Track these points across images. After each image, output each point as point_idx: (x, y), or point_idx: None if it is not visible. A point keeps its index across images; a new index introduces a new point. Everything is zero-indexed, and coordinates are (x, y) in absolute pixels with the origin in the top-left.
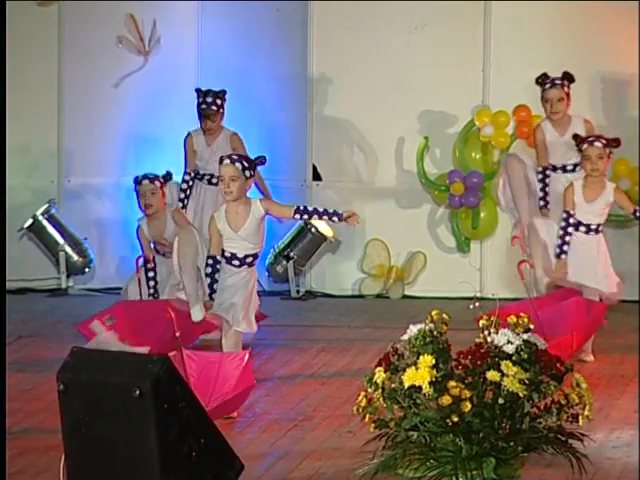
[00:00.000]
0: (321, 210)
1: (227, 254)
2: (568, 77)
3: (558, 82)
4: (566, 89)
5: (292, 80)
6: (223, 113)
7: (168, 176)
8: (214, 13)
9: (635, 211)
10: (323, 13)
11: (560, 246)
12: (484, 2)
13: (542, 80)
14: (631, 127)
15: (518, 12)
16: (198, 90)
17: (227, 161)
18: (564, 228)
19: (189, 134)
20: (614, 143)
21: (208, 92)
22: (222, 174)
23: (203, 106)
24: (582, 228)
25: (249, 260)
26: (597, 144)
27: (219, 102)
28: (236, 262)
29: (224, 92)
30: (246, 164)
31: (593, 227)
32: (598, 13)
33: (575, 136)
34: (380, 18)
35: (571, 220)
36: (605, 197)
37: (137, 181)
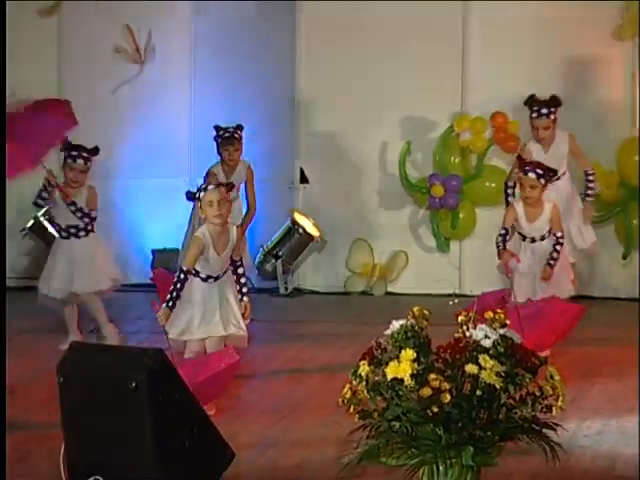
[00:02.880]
0: (242, 282)
1: (202, 275)
2: (555, 102)
3: (545, 112)
4: (553, 116)
5: (280, 89)
6: (242, 145)
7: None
8: (207, 25)
9: (587, 172)
10: (310, 26)
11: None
12: (462, 14)
13: (531, 104)
14: (603, 131)
15: (495, 22)
16: (217, 127)
17: (212, 187)
18: (501, 242)
19: (209, 171)
20: (550, 174)
21: (228, 127)
22: (211, 199)
23: (227, 134)
24: (528, 240)
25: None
26: (531, 175)
27: (240, 133)
28: (211, 280)
29: (242, 126)
30: (225, 189)
31: (538, 239)
32: (574, 23)
33: (518, 157)
34: (365, 31)
35: (507, 237)
36: (544, 217)
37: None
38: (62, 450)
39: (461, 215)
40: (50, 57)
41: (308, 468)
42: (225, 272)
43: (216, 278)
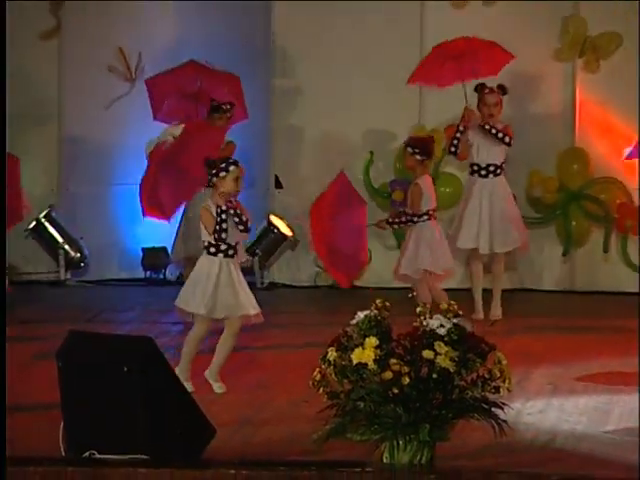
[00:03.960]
0: None
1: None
2: (503, 88)
3: (495, 90)
4: (500, 97)
5: (256, 101)
6: None
7: None
8: (191, 46)
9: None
10: (285, 44)
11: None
12: (420, 32)
13: (481, 87)
14: (543, 142)
15: (458, 26)
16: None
17: (235, 165)
18: None
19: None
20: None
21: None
22: (238, 175)
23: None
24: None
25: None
26: (408, 149)
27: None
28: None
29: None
30: None
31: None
32: (519, 42)
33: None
34: (332, 50)
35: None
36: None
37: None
38: (61, 428)
39: None
40: (50, 75)
41: (281, 443)
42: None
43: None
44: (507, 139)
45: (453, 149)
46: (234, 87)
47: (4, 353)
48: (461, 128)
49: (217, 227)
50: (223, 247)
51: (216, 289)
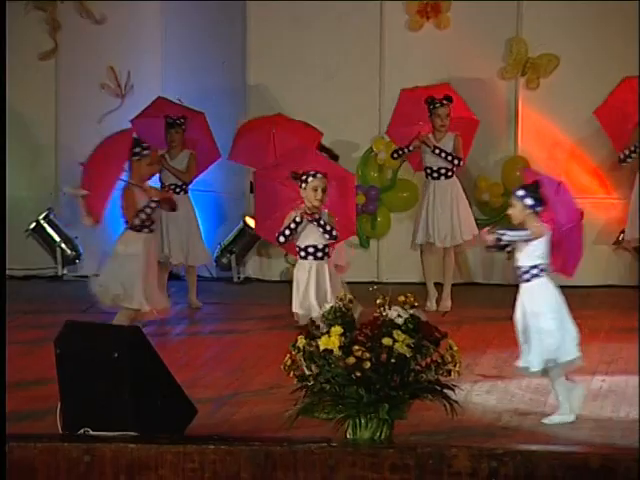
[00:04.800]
0: None
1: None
2: (449, 99)
3: (446, 102)
4: (450, 108)
5: (233, 113)
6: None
7: None
8: (175, 64)
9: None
10: (257, 70)
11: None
12: (379, 51)
13: (431, 100)
14: (490, 152)
15: (406, 63)
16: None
17: (319, 175)
18: None
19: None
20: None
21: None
22: (316, 185)
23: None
24: None
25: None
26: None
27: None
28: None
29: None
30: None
31: None
32: (468, 60)
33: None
34: (303, 67)
35: None
36: None
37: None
38: (58, 407)
39: (379, 218)
40: (49, 92)
41: (257, 421)
42: None
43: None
44: (456, 161)
45: (396, 155)
46: (200, 124)
47: (4, 352)
48: (411, 148)
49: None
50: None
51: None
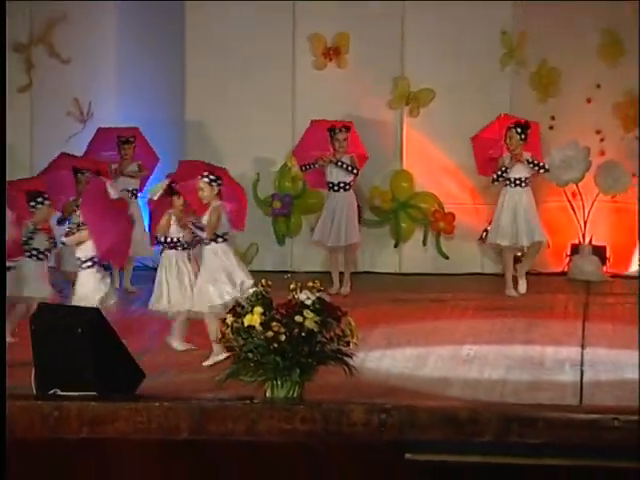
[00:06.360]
0: None
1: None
2: (347, 127)
3: (344, 129)
4: (347, 134)
5: (173, 135)
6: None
7: None
8: (128, 96)
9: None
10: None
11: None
12: (292, 87)
13: (332, 127)
14: (380, 166)
15: (314, 91)
16: None
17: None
18: None
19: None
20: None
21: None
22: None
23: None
24: None
25: None
26: (204, 179)
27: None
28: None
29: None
30: None
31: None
32: (367, 89)
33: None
34: (234, 97)
35: None
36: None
37: None
38: (32, 373)
39: (292, 220)
40: (25, 119)
41: (194, 384)
42: None
43: None
44: (355, 171)
45: (304, 169)
46: (140, 139)
47: (4, 351)
48: (317, 165)
49: None
50: None
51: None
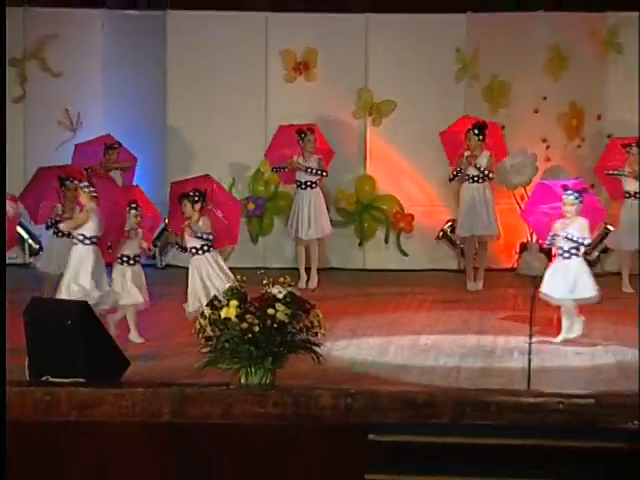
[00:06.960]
0: None
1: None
2: (312, 131)
3: (310, 132)
4: (315, 139)
5: (153, 145)
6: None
7: None
8: (113, 107)
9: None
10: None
11: None
12: (264, 98)
13: (301, 131)
14: (345, 171)
15: (286, 105)
16: None
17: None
18: None
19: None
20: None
21: None
22: None
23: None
24: None
25: None
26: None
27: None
28: None
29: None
30: None
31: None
32: (333, 100)
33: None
34: (212, 108)
35: None
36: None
37: None
38: (26, 361)
39: (265, 221)
40: (19, 127)
41: (175, 372)
42: None
43: None
44: (324, 173)
45: (275, 171)
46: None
47: (4, 352)
48: (287, 168)
49: None
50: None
51: None
